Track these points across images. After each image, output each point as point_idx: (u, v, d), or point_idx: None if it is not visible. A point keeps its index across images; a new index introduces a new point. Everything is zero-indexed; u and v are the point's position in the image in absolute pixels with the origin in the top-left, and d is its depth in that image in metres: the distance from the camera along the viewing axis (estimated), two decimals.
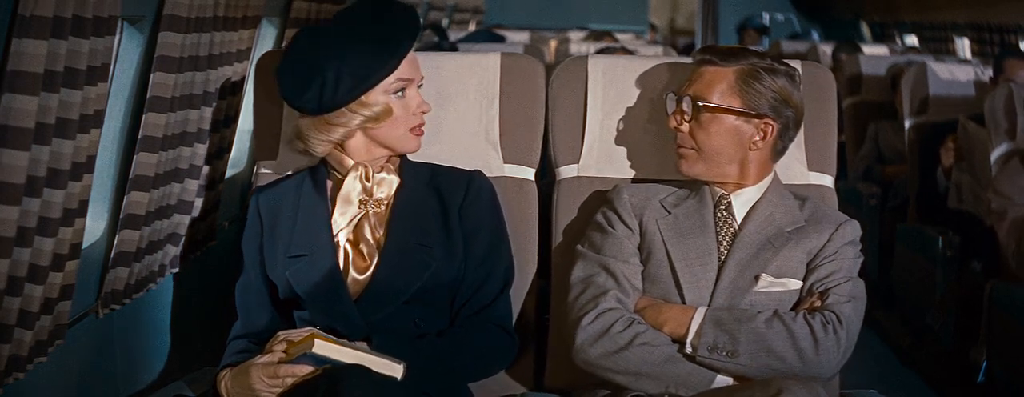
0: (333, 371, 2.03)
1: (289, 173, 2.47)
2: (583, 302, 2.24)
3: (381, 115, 2.28)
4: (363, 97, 2.27)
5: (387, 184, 2.34)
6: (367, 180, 2.33)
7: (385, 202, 2.33)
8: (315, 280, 2.27)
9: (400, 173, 2.37)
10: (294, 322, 2.32)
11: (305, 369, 2.07)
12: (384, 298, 2.27)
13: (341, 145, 2.32)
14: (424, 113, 2.33)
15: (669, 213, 2.32)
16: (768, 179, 2.33)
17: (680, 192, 2.36)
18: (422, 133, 2.34)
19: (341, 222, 2.31)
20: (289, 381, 2.08)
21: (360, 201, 2.33)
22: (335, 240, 2.30)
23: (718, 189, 2.32)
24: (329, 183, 2.37)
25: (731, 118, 2.26)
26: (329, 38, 2.27)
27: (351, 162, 2.33)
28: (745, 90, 2.26)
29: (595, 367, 2.20)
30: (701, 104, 2.27)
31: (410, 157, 2.40)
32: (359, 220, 2.32)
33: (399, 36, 2.28)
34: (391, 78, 2.27)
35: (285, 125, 2.52)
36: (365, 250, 2.30)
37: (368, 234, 2.30)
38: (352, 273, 2.29)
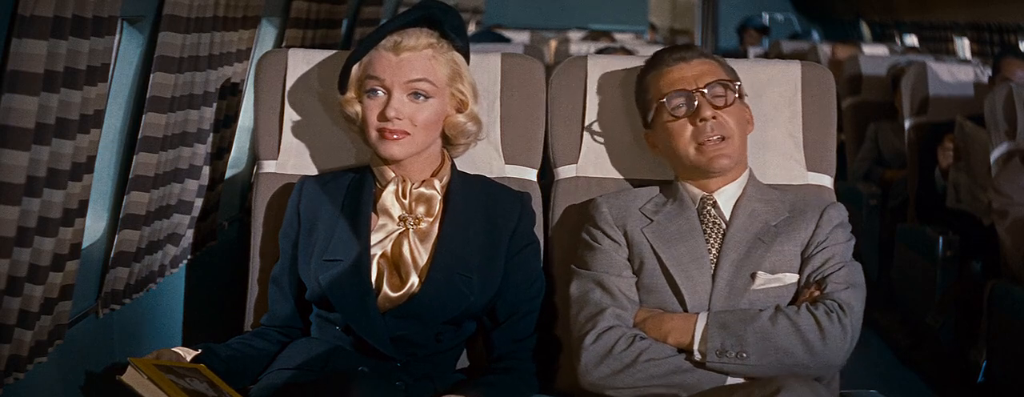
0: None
1: (339, 168, 2.39)
2: (582, 321, 2.21)
3: (355, 117, 2.26)
4: (347, 94, 2.26)
5: (426, 201, 2.27)
6: (404, 196, 2.27)
7: (429, 220, 2.27)
8: (346, 289, 2.21)
9: (448, 189, 2.30)
10: (316, 319, 2.29)
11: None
12: (414, 319, 2.23)
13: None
14: (395, 118, 2.19)
15: (651, 221, 2.30)
16: (746, 175, 2.33)
17: (657, 198, 2.34)
18: (393, 138, 2.21)
19: (379, 235, 2.25)
20: None
21: (400, 217, 2.26)
22: (371, 252, 2.24)
23: (696, 189, 2.31)
24: (374, 192, 2.31)
25: (739, 101, 2.30)
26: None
27: (392, 174, 2.28)
28: (733, 74, 2.32)
29: (602, 388, 2.18)
30: (739, 84, 2.29)
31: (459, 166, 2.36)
32: (398, 237, 2.25)
33: (389, 33, 2.23)
34: (359, 73, 2.25)
35: (286, 125, 2.51)
36: (402, 270, 2.23)
37: (407, 253, 2.23)
38: (385, 289, 2.22)
